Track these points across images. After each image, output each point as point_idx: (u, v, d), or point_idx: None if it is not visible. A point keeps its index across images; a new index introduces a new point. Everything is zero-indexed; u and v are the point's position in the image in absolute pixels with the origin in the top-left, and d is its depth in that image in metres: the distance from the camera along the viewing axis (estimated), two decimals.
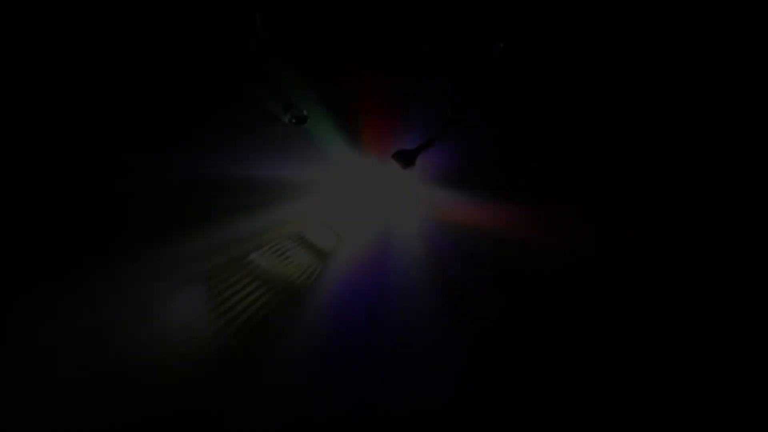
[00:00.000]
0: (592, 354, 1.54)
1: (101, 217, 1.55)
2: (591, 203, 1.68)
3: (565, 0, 1.85)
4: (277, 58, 1.81)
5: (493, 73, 1.84)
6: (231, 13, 1.81)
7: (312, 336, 1.52)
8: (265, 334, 1.50)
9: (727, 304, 1.53)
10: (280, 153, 1.72)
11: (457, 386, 1.51)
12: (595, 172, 1.72)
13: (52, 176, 1.56)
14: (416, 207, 1.71)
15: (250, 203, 1.63)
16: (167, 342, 1.46)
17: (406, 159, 1.63)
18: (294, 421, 1.45)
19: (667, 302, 1.55)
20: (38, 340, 1.42)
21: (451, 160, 1.74)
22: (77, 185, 1.58)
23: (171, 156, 1.65)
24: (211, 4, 1.80)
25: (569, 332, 1.57)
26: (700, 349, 1.51)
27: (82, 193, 1.58)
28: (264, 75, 1.79)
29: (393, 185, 1.72)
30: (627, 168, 1.71)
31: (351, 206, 1.69)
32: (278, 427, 1.44)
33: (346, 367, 1.51)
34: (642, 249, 1.62)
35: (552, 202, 1.69)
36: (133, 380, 1.42)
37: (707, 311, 1.53)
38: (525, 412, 1.49)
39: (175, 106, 1.70)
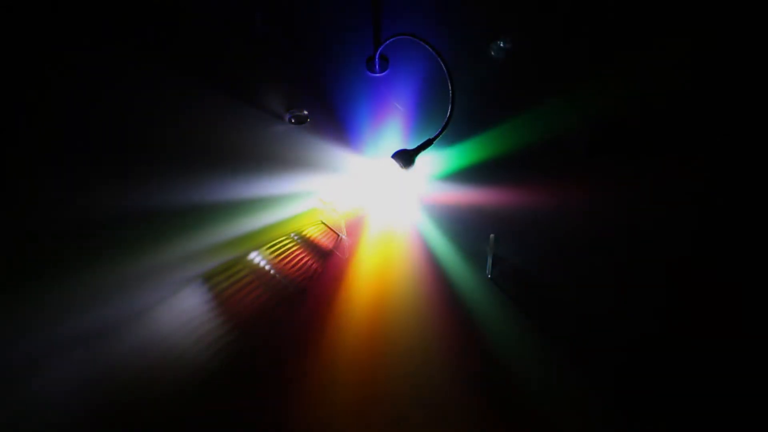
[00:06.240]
0: None
1: (99, 216, 1.55)
2: None
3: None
4: (278, 57, 1.81)
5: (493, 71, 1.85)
6: (231, 13, 1.81)
7: (311, 336, 1.51)
8: (265, 334, 1.49)
9: None
10: (280, 152, 1.72)
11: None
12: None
13: (51, 178, 1.55)
14: (416, 205, 1.71)
15: (249, 202, 1.63)
16: (166, 342, 1.45)
17: (405, 159, 1.62)
18: (292, 420, 1.44)
19: None
20: (36, 340, 1.41)
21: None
22: (75, 185, 1.57)
23: (170, 155, 1.64)
24: (211, 4, 1.80)
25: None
26: None
27: (81, 193, 1.57)
28: (264, 74, 1.79)
29: (393, 184, 1.72)
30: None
31: (351, 205, 1.68)
32: (277, 426, 1.43)
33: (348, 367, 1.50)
34: None
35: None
36: (131, 381, 1.41)
37: None
38: None
39: (174, 106, 1.70)
